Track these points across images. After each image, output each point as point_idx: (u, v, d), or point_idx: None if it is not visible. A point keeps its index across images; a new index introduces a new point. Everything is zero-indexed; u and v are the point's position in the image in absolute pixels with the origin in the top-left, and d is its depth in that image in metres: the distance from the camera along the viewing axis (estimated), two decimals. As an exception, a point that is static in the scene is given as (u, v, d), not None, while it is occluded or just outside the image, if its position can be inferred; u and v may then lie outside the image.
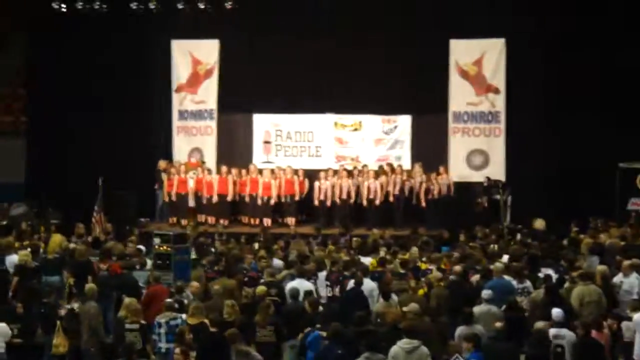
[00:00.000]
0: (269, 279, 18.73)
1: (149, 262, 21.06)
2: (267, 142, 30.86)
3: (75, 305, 17.64)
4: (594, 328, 15.11)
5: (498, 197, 27.75)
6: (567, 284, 18.03)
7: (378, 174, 28.73)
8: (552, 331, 14.88)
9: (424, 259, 21.24)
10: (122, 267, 19.89)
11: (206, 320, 15.61)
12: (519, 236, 24.72)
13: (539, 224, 25.73)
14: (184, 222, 28.65)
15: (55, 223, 25.95)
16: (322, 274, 19.60)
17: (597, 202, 26.81)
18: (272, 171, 29.17)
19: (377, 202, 28.25)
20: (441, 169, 28.76)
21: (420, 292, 17.91)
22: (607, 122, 28.25)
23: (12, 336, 16.13)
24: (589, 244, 21.93)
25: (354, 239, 24.61)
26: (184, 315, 16.18)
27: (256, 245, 23.91)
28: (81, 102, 30.46)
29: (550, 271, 19.48)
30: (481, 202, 28.36)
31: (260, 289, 17.42)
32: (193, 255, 21.63)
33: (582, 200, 27.16)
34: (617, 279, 18.42)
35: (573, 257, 20.48)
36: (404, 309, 15.90)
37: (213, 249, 23.29)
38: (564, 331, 15.02)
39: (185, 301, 17.24)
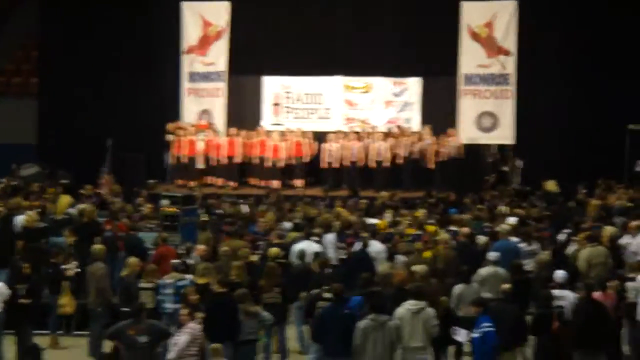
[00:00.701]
0: (277, 240, 18.73)
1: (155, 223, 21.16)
2: (276, 104, 30.81)
3: (73, 265, 17.73)
4: (597, 289, 15.11)
5: (506, 168, 27.73)
6: (574, 246, 18.04)
7: (387, 136, 28.64)
8: (555, 292, 14.88)
9: (431, 220, 21.19)
10: (128, 227, 19.93)
11: (214, 281, 15.65)
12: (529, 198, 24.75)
13: (551, 185, 25.71)
14: (191, 183, 28.63)
15: (63, 184, 25.93)
16: (330, 236, 19.60)
17: (606, 164, 26.82)
18: (281, 133, 29.14)
19: (386, 164, 28.17)
20: (450, 131, 28.66)
21: (427, 253, 17.90)
22: (616, 84, 28.22)
23: (19, 296, 16.13)
24: (597, 206, 21.91)
25: (362, 200, 24.56)
26: (190, 276, 16.24)
27: (264, 207, 23.89)
28: (91, 64, 30.49)
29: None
30: (489, 179, 28.24)
31: (274, 250, 17.40)
32: (203, 217, 21.67)
33: (590, 162, 27.18)
34: (624, 240, 18.42)
35: (580, 219, 20.42)
36: (412, 269, 15.89)
37: (221, 211, 23.29)
38: (566, 292, 15.10)
39: (192, 262, 17.30)
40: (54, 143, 30.52)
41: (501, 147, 28.93)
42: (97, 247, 17.57)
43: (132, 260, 16.76)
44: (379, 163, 28.23)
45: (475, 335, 13.67)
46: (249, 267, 17.01)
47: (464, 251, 18.02)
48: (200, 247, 18.03)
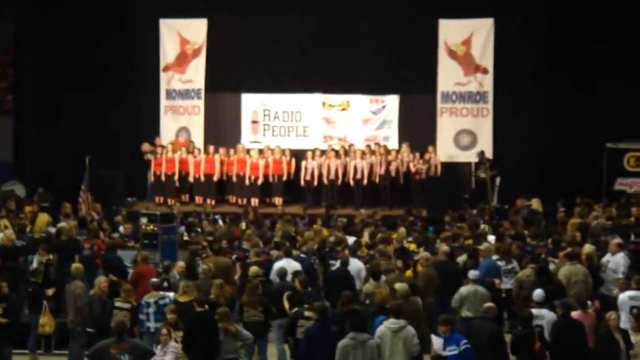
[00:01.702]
0: (255, 258, 18.71)
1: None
2: (254, 122, 30.78)
3: (49, 292, 17.66)
4: (578, 308, 15.16)
5: (483, 175, 27.79)
6: (553, 265, 18.12)
7: (365, 154, 28.67)
8: (533, 311, 14.91)
9: (410, 239, 21.21)
10: (107, 246, 19.84)
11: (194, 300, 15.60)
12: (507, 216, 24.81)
13: (536, 203, 25.75)
14: (170, 201, 28.58)
15: (42, 202, 25.80)
16: (310, 254, 19.58)
17: (584, 182, 26.93)
18: (260, 151, 29.10)
19: (365, 182, 28.21)
20: (429, 149, 28.71)
21: (408, 272, 17.91)
22: (594, 102, 28.36)
23: (-2, 315, 16.08)
24: (576, 224, 22.01)
25: (341, 218, 24.55)
26: (171, 294, 16.18)
27: (243, 225, 23.86)
28: (68, 81, 30.31)
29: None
30: (477, 175, 28.29)
31: (254, 269, 17.36)
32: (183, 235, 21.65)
33: (569, 180, 27.22)
34: (604, 258, 18.49)
35: (559, 237, 20.49)
36: (395, 287, 15.89)
37: (199, 229, 23.27)
38: (544, 311, 15.09)
39: (172, 280, 17.24)
40: (32, 160, 30.37)
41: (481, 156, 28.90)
42: (76, 265, 17.47)
43: (100, 278, 16.75)
44: (357, 181, 28.26)
45: (453, 352, 13.61)
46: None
47: (443, 269, 18.01)
48: (180, 265, 17.98)
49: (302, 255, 19.17)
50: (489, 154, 28.98)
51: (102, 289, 16.54)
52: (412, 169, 28.18)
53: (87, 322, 16.63)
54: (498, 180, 28.13)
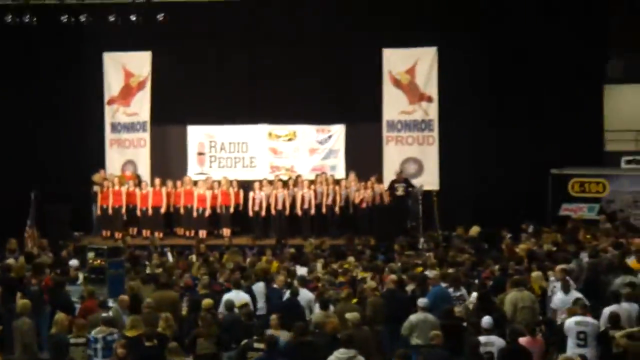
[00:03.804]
0: (204, 291, 18.63)
1: (81, 277, 20.88)
2: (201, 154, 30.75)
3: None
4: (526, 334, 15.27)
5: (400, 193, 27.93)
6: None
7: (312, 183, 28.71)
8: (482, 338, 15.01)
9: (359, 268, 21.25)
10: (54, 282, 19.64)
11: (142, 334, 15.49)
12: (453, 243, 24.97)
13: (474, 231, 25.97)
14: (117, 235, 28.41)
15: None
16: (259, 285, 19.51)
17: (530, 209, 27.18)
18: (207, 182, 29.02)
19: (312, 211, 28.25)
20: (375, 178, 28.80)
21: (353, 300, 17.91)
22: (539, 128, 28.71)
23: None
24: (523, 250, 22.20)
25: (289, 249, 24.56)
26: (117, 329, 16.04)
27: (193, 258, 23.78)
28: (12, 114, 30.08)
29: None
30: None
31: (207, 301, 17.25)
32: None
33: (514, 206, 27.45)
34: (550, 284, 18.64)
35: (505, 264, 20.62)
36: (346, 316, 15.89)
37: (147, 262, 23.14)
38: (493, 338, 15.19)
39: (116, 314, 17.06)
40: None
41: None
42: (23, 302, 17.26)
43: (61, 315, 16.52)
44: (305, 211, 28.29)
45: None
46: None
47: (392, 298, 18.05)
48: (124, 298, 17.78)
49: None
50: (435, 182, 29.21)
51: (65, 327, 16.33)
52: (358, 198, 28.25)
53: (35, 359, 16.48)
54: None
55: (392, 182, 28.89)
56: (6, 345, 17.45)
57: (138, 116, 30.43)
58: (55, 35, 29.63)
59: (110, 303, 18.20)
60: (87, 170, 29.61)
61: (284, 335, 15.25)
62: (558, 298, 17.51)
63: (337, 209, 28.29)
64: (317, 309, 17.58)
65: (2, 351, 17.45)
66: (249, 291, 18.78)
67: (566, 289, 17.59)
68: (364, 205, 28.22)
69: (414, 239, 25.91)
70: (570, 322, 15.70)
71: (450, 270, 19.80)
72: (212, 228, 28.80)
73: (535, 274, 19.02)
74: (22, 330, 16.56)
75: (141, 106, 30.42)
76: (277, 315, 15.89)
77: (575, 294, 17.36)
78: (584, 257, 20.74)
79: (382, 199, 28.51)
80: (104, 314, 16.47)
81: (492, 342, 15.08)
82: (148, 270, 21.51)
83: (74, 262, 22.20)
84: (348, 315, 15.80)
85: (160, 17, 28.68)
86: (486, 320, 15.49)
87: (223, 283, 19.63)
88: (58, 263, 22.63)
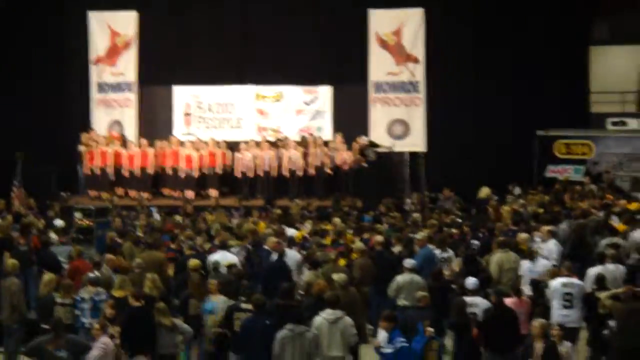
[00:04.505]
0: (189, 252, 18.68)
1: (53, 236, 20.82)
2: (187, 114, 30.72)
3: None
4: (512, 295, 15.38)
5: (372, 157, 27.86)
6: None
7: (299, 144, 28.71)
8: (467, 299, 15.10)
9: (346, 229, 21.31)
10: (41, 242, 19.67)
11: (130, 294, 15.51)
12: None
13: (484, 192, 25.96)
14: (104, 195, 28.38)
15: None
16: (246, 246, 19.56)
17: (516, 170, 27.28)
18: (194, 143, 29.00)
19: (299, 173, 28.25)
20: (358, 140, 28.75)
21: (342, 262, 18.01)
22: (524, 90, 28.76)
23: None
24: (509, 212, 22.29)
25: (276, 210, 24.63)
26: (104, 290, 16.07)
27: (178, 218, 23.82)
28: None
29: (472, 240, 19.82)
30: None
31: (194, 262, 17.27)
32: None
33: (501, 168, 27.53)
34: (536, 245, 18.73)
35: (492, 225, 20.73)
36: (333, 277, 15.96)
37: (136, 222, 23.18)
38: (478, 299, 15.25)
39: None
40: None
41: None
42: (11, 262, 17.25)
43: (49, 276, 16.56)
44: (292, 172, 28.27)
45: (389, 350, 13.66)
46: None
47: (379, 259, 18.14)
48: (110, 258, 17.79)
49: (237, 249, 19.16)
50: (421, 144, 29.27)
51: (52, 287, 16.35)
52: (345, 159, 28.24)
53: (23, 319, 16.53)
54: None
55: (361, 150, 28.68)
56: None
57: (124, 76, 30.36)
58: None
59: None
60: (72, 131, 29.50)
61: (219, 301, 15.24)
62: (526, 266, 17.58)
63: (324, 170, 28.25)
64: (306, 269, 17.67)
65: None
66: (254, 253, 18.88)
67: (532, 258, 17.67)
68: (349, 167, 28.16)
69: (400, 201, 25.96)
70: (556, 284, 15.78)
71: (437, 232, 19.89)
72: (199, 189, 28.76)
73: (522, 235, 19.08)
74: (10, 290, 16.58)
75: (127, 66, 30.34)
76: (218, 281, 15.67)
77: (543, 262, 17.50)
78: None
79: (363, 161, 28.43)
80: (91, 274, 16.49)
81: (477, 304, 15.13)
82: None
83: (58, 222, 22.21)
84: (335, 276, 15.84)
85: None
86: (470, 281, 15.54)
87: (210, 244, 19.65)
88: (47, 226, 22.62)
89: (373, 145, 28.39)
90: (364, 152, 28.15)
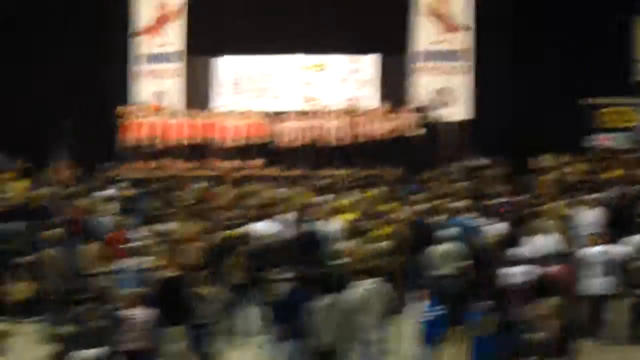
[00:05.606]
0: (231, 222, 18.71)
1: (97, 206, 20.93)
2: (234, 84, 30.75)
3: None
4: (555, 263, 15.25)
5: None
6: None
7: (344, 114, 28.57)
8: (510, 269, 14.98)
9: (389, 198, 21.25)
10: (85, 211, 19.80)
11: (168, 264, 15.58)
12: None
13: (548, 159, 25.75)
14: (149, 166, 28.45)
15: (22, 168, 25.69)
16: (290, 216, 19.57)
17: (560, 139, 26.95)
18: (238, 114, 28.99)
19: (343, 142, 28.13)
20: (405, 109, 28.62)
21: (384, 230, 17.95)
22: (568, 59, 28.43)
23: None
24: (552, 181, 22.12)
25: (320, 180, 24.60)
26: (148, 259, 16.15)
27: (222, 188, 23.85)
28: (39, 42, 30.03)
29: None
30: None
31: (235, 232, 17.32)
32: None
33: (545, 136, 27.25)
34: (580, 213, 18.56)
35: (535, 193, 20.58)
36: (371, 247, 15.96)
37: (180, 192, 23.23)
38: (521, 268, 15.09)
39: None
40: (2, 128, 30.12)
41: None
42: (54, 231, 17.46)
43: (92, 246, 16.71)
44: (336, 142, 28.16)
45: (427, 319, 13.67)
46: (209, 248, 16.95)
47: (420, 228, 18.06)
48: (152, 228, 17.84)
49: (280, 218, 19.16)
50: (467, 112, 29.06)
51: (95, 257, 16.49)
52: (390, 127, 28.08)
53: (65, 289, 16.66)
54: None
55: (420, 109, 28.52)
56: (37, 274, 17.60)
57: (171, 46, 30.48)
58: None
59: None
60: (116, 101, 29.57)
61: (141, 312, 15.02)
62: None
63: (369, 140, 28.11)
64: (347, 238, 17.65)
65: (34, 280, 17.62)
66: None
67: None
68: (394, 135, 27.99)
69: (444, 170, 25.81)
70: (595, 251, 15.68)
71: (478, 201, 19.78)
72: (244, 158, 28.77)
73: (564, 203, 18.90)
74: (53, 259, 16.75)
75: (174, 36, 30.44)
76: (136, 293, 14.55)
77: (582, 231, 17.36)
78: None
79: (411, 130, 28.30)
80: (132, 244, 16.58)
81: (521, 272, 15.04)
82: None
83: (103, 193, 22.30)
84: (375, 246, 15.86)
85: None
86: (514, 250, 15.43)
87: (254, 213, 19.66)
88: (89, 193, 22.75)
89: (424, 109, 28.27)
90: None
